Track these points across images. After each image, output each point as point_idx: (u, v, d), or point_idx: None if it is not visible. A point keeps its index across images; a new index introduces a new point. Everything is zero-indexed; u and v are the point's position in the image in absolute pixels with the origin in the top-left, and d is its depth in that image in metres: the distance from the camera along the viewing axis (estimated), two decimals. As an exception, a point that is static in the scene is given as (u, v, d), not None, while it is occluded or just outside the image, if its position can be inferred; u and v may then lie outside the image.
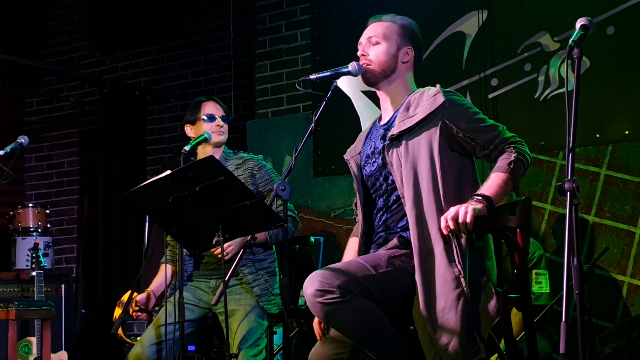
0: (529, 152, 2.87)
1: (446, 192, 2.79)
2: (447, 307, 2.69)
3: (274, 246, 3.91)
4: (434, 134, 2.83)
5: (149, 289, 3.91)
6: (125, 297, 3.90)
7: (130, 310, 3.82)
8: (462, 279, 2.70)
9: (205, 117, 3.91)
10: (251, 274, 3.78)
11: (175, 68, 6.88)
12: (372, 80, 3.00)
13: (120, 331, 3.75)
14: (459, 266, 2.71)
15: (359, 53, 3.01)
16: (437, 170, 2.80)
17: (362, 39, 3.04)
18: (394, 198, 2.92)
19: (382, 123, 3.05)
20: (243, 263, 3.78)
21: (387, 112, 3.05)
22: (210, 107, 3.96)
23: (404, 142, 2.86)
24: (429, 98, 2.87)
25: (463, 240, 2.74)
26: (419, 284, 2.73)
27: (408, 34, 3.02)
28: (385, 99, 3.04)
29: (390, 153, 2.88)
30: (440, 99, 2.85)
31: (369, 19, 3.09)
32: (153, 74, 6.96)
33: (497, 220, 2.82)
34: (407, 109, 2.91)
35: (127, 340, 3.87)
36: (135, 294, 3.87)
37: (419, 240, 2.76)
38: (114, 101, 6.59)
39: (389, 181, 2.93)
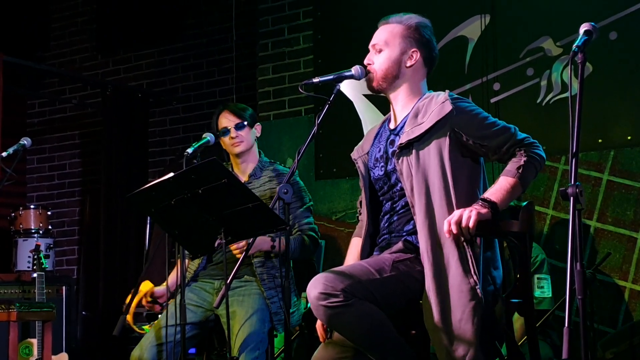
0: (542, 153, 2.83)
1: (458, 200, 2.77)
2: (464, 318, 2.67)
3: (291, 262, 3.84)
4: (444, 142, 2.80)
5: (164, 283, 3.89)
6: (142, 288, 3.86)
7: (144, 301, 3.81)
8: (477, 290, 2.68)
9: (219, 133, 3.89)
10: (270, 289, 3.74)
11: (177, 70, 6.87)
12: (376, 89, 2.98)
13: (129, 317, 3.72)
14: (474, 277, 2.69)
15: (365, 62, 2.99)
16: (448, 180, 2.78)
17: (370, 45, 3.01)
18: (402, 204, 2.90)
19: (391, 126, 3.02)
20: (264, 277, 3.76)
21: (396, 115, 3.02)
22: (223, 120, 3.90)
23: (414, 150, 2.83)
24: (437, 105, 2.84)
25: (477, 250, 2.72)
26: (432, 294, 2.70)
27: (413, 35, 2.97)
28: (394, 102, 3.02)
29: (400, 161, 2.85)
30: (448, 107, 2.82)
31: (379, 21, 3.05)
32: (155, 76, 6.96)
33: (499, 224, 2.81)
34: (416, 115, 2.88)
35: (137, 329, 3.86)
36: (144, 283, 3.83)
37: (432, 251, 2.74)
38: (116, 103, 6.59)
39: (398, 187, 2.91)
